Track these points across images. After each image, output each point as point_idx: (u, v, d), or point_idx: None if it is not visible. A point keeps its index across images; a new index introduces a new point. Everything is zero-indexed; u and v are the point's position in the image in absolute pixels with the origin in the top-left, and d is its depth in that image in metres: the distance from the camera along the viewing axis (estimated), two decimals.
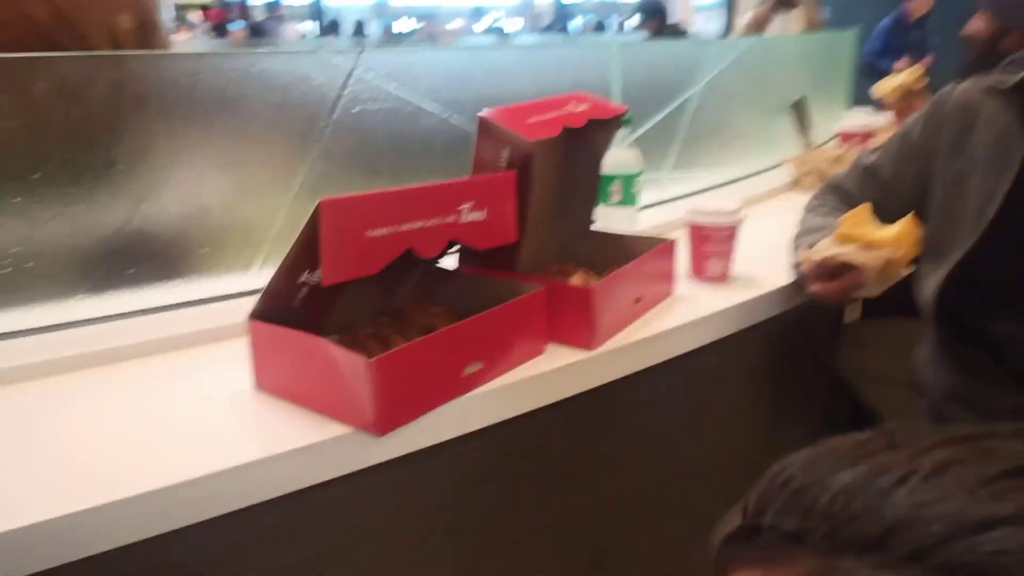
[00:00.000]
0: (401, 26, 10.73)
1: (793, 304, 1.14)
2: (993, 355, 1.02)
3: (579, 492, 1.03)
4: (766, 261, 1.17)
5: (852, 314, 1.59)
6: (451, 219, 0.79)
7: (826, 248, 0.95)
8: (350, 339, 0.83)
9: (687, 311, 1.02)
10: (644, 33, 4.60)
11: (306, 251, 0.72)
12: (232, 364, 0.84)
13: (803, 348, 1.42)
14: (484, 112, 0.89)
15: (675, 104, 1.51)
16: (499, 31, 11.81)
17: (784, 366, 1.34)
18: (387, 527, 0.84)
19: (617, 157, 1.17)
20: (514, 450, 0.92)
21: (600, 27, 11.63)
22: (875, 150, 1.16)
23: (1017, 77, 0.95)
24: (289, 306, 0.78)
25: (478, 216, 0.82)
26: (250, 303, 0.79)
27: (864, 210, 0.95)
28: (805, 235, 1.12)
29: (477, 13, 11.94)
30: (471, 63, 1.22)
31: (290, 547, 0.77)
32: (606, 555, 1.09)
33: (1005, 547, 0.21)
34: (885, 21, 3.93)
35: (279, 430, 0.73)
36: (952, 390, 1.09)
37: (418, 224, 0.76)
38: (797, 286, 1.09)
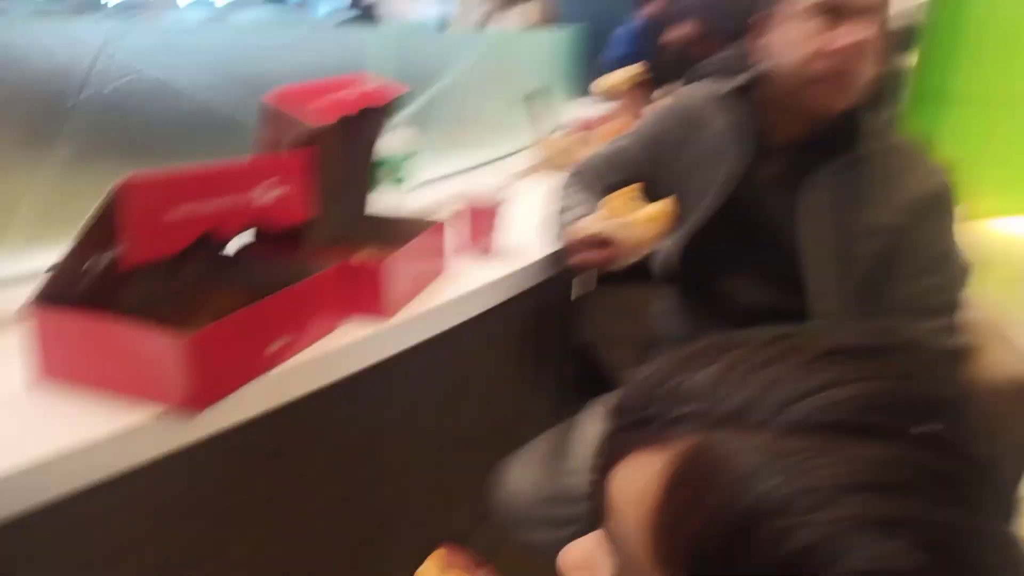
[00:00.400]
0: None
1: (548, 274, 1.31)
2: (722, 304, 1.25)
3: (363, 466, 1.09)
4: (522, 236, 1.32)
5: (585, 287, 1.83)
6: (247, 200, 0.81)
7: (592, 224, 1.11)
8: (143, 323, 0.81)
9: (460, 284, 1.13)
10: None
11: (98, 233, 0.70)
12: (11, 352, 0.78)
13: (547, 318, 1.61)
14: (267, 96, 0.91)
15: (431, 91, 1.61)
16: (209, 4, 11.06)
17: (532, 336, 1.52)
18: (185, 511, 0.84)
19: (388, 139, 1.24)
20: (303, 428, 0.96)
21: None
22: (621, 138, 1.35)
23: (728, 87, 1.17)
24: (75, 291, 0.75)
25: (274, 196, 0.85)
26: None
27: (631, 190, 1.11)
28: (565, 211, 1.28)
29: None
30: (235, 43, 1.21)
31: (89, 540, 0.75)
32: (384, 526, 1.17)
33: (825, 404, 0.32)
34: (630, 26, 4.00)
35: (78, 417, 0.71)
36: (690, 335, 1.32)
37: (215, 204, 0.77)
38: (558, 257, 1.24)
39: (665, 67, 2.06)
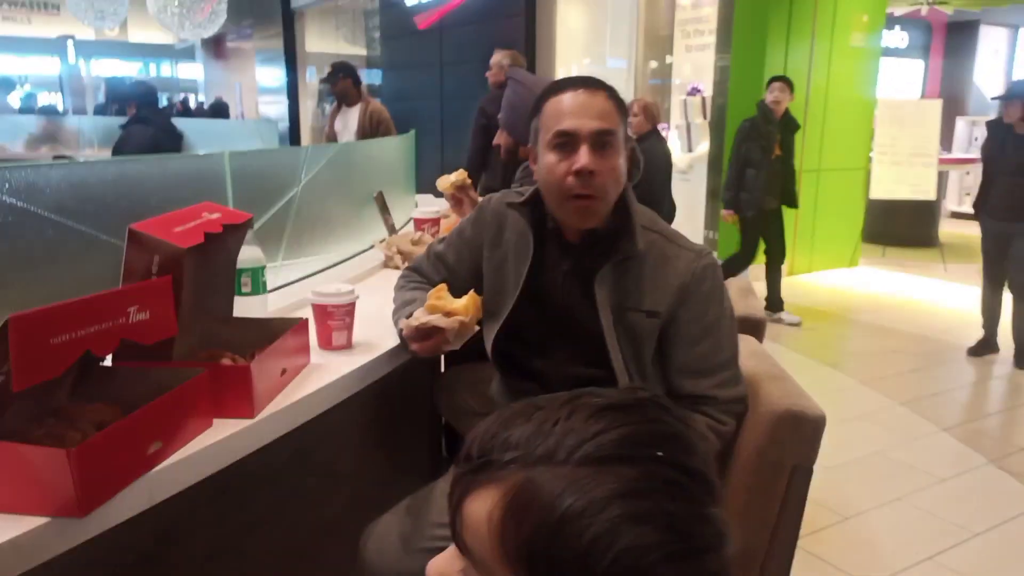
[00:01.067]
0: None
1: (401, 360, 1.45)
2: (536, 382, 1.44)
3: (240, 559, 1.17)
4: (377, 328, 1.47)
5: (444, 364, 1.99)
6: (121, 321, 0.92)
7: (418, 317, 1.28)
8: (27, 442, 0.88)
9: (324, 376, 1.26)
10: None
11: None
12: None
13: (412, 394, 1.76)
14: (134, 224, 1.03)
15: (281, 202, 1.75)
16: (31, 100, 10.72)
17: (399, 410, 1.65)
18: None
19: (244, 253, 1.37)
20: (179, 526, 1.04)
21: None
22: (441, 240, 1.55)
23: (523, 197, 1.38)
24: None
25: (143, 317, 0.96)
26: None
27: (442, 288, 1.30)
28: (401, 308, 1.45)
29: (6, 84, 10.63)
30: (91, 174, 1.30)
31: None
32: None
33: (600, 444, 0.49)
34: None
35: None
36: None
37: (94, 328, 0.87)
38: (401, 347, 1.40)
39: (505, 166, 2.33)
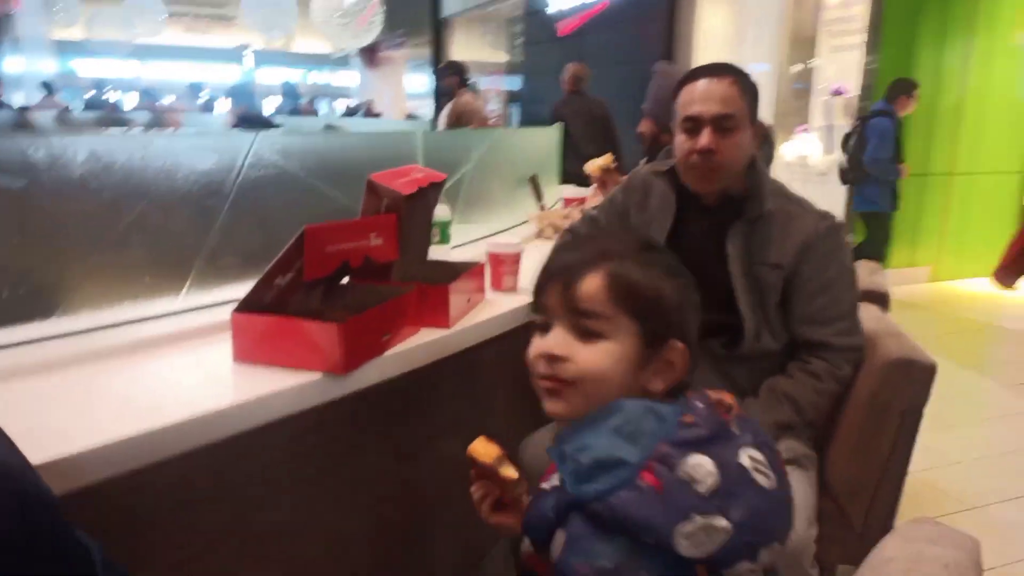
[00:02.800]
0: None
1: None
2: None
3: (441, 441, 1.49)
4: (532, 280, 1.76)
5: None
6: (364, 242, 1.25)
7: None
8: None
9: (496, 308, 1.56)
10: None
11: (282, 263, 1.12)
12: (211, 348, 1.20)
13: None
14: (372, 175, 1.36)
15: (457, 176, 2.08)
16: (210, 104, 11.98)
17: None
18: (341, 450, 1.23)
19: (436, 209, 1.69)
20: (410, 400, 1.36)
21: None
22: (596, 207, 1.81)
23: (667, 165, 1.63)
24: (263, 302, 1.17)
25: (379, 242, 1.28)
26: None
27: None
28: None
29: (193, 90, 11.92)
30: (323, 143, 1.67)
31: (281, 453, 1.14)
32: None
33: (636, 242, 0.92)
34: None
35: (265, 380, 1.11)
36: None
37: (350, 244, 1.20)
38: None
39: (648, 152, 2.58)
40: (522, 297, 1.65)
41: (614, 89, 8.18)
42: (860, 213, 5.10)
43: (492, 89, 14.16)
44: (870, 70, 5.87)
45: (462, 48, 13.84)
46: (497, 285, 1.68)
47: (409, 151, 1.87)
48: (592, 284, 0.85)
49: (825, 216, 1.51)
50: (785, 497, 0.79)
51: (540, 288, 0.92)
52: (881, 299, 1.94)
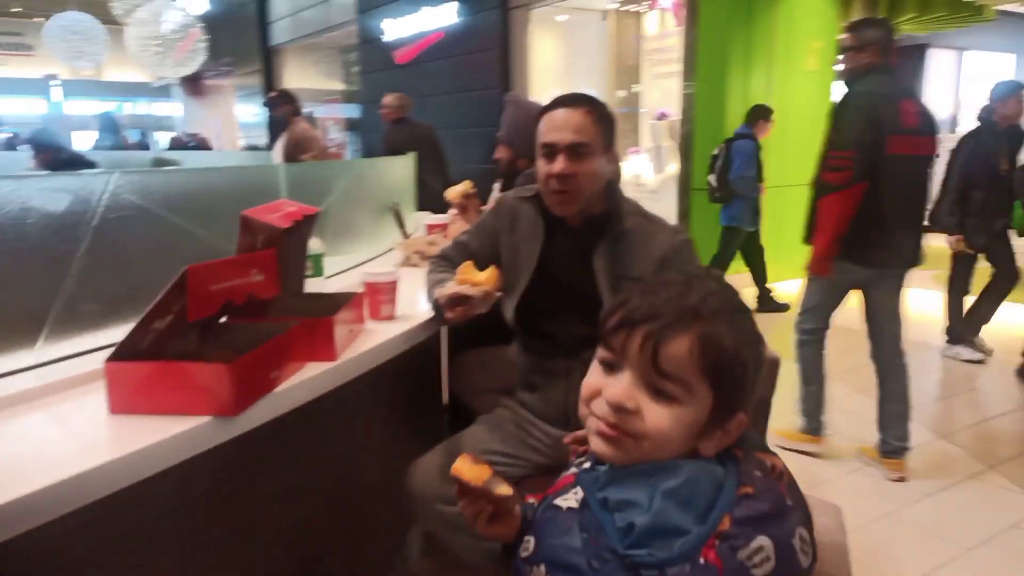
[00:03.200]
0: None
1: (434, 329, 1.76)
2: (552, 340, 1.75)
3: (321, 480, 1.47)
4: (409, 306, 1.78)
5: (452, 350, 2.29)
6: (247, 279, 1.22)
7: (451, 288, 1.59)
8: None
9: (378, 336, 1.56)
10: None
11: (161, 306, 1.08)
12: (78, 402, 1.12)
13: (428, 374, 2.05)
14: (245, 211, 1.33)
15: (321, 207, 2.06)
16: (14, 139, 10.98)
17: (415, 387, 1.95)
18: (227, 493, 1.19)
19: (309, 244, 1.67)
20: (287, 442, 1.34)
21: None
22: (465, 233, 1.86)
23: (531, 191, 1.71)
24: (139, 349, 1.11)
25: (260, 278, 1.26)
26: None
27: (469, 264, 1.61)
28: (433, 286, 1.75)
29: None
30: (184, 180, 1.61)
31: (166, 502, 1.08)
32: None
33: (726, 299, 0.84)
34: None
35: (148, 430, 1.06)
36: (530, 366, 1.81)
37: (233, 282, 1.17)
38: (436, 318, 1.70)
39: (504, 177, 2.67)
40: (400, 324, 1.67)
41: (452, 115, 8.34)
42: (722, 228, 5.50)
43: (330, 118, 13.94)
44: (688, 95, 6.40)
45: (295, 76, 13.53)
46: (375, 314, 1.68)
47: (272, 185, 1.84)
48: (680, 347, 0.79)
49: (678, 231, 1.65)
50: (812, 571, 0.80)
51: (617, 329, 0.84)
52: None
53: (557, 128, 1.58)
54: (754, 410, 1.61)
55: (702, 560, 0.73)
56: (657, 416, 0.80)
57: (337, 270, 2.12)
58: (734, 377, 0.80)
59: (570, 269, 1.66)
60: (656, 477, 0.79)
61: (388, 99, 5.57)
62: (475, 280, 1.58)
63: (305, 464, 1.49)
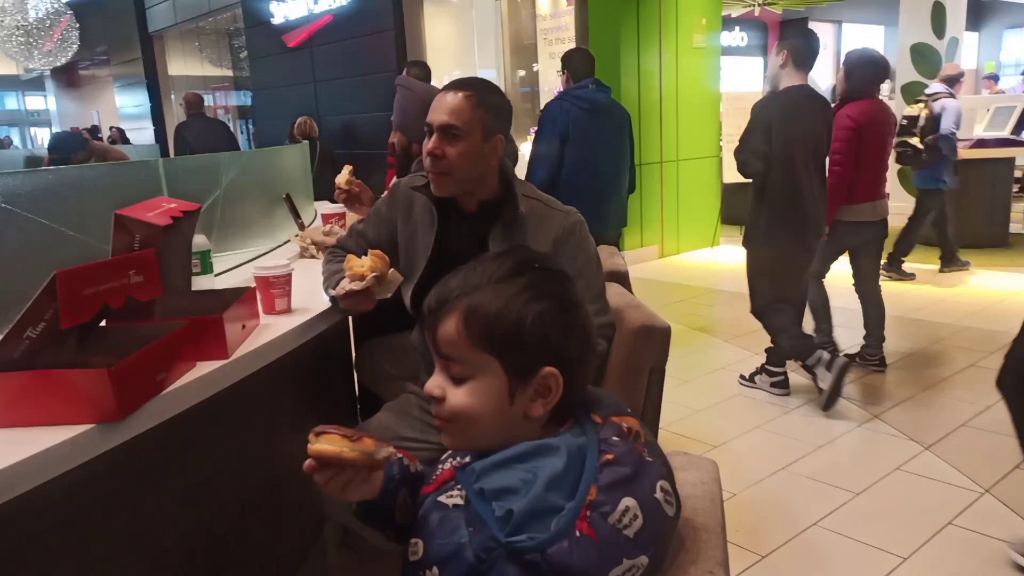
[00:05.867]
0: None
1: (333, 320, 1.74)
2: None
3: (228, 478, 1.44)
4: (306, 298, 1.75)
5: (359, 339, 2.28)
6: (125, 281, 1.17)
7: (344, 286, 1.58)
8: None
9: (273, 331, 1.53)
10: None
11: (32, 314, 1.03)
12: None
13: (337, 364, 2.04)
14: (119, 210, 1.28)
15: (207, 203, 1.99)
16: None
17: (323, 378, 1.93)
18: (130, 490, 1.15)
19: (193, 239, 1.62)
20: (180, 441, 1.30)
21: None
22: (361, 221, 1.85)
23: (422, 180, 1.71)
24: (10, 359, 1.05)
25: (140, 279, 1.21)
26: None
27: (352, 256, 1.62)
28: (330, 277, 1.74)
29: None
30: (54, 180, 1.52)
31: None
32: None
33: (501, 268, 0.89)
34: None
35: (25, 442, 1.01)
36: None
37: (109, 285, 1.13)
38: (336, 309, 1.69)
39: (400, 163, 2.64)
40: (297, 317, 1.65)
41: (348, 99, 8.17)
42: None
43: (220, 106, 13.38)
44: None
45: (179, 63, 12.91)
46: (270, 308, 1.65)
47: (152, 182, 1.76)
48: (449, 328, 0.86)
49: (569, 212, 1.69)
50: (679, 518, 0.86)
51: (422, 329, 0.94)
52: (622, 278, 2.21)
53: (437, 109, 1.61)
54: (649, 376, 1.69)
55: (578, 533, 0.77)
56: (456, 397, 0.87)
57: (230, 266, 2.06)
58: (509, 338, 0.84)
59: (466, 254, 1.66)
60: (521, 460, 0.83)
61: (187, 96, 6.23)
62: (359, 271, 1.59)
63: (208, 464, 1.45)
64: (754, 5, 8.64)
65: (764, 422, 3.23)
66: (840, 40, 13.30)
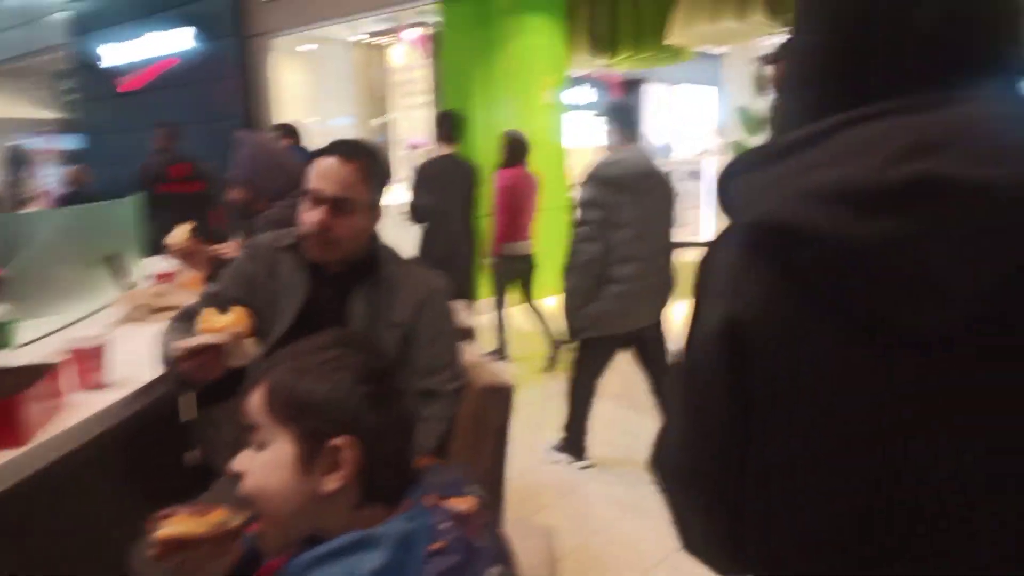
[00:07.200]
0: None
1: (155, 396, 1.61)
2: None
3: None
4: (125, 369, 1.61)
5: (188, 413, 2.12)
6: None
7: (194, 339, 1.39)
8: None
9: (83, 411, 1.40)
10: None
11: None
12: None
13: (172, 436, 1.88)
14: None
15: (12, 266, 1.80)
16: None
17: (153, 454, 1.77)
18: None
19: None
20: None
21: None
22: (215, 283, 1.71)
23: (290, 238, 1.63)
24: None
25: None
26: None
27: (211, 311, 1.44)
28: (171, 342, 1.59)
29: None
30: None
31: None
32: None
33: (304, 347, 0.88)
34: None
35: None
36: None
37: None
38: (173, 381, 1.53)
39: (238, 220, 2.51)
40: (113, 393, 1.51)
41: (193, 147, 7.81)
42: None
43: (44, 151, 12.39)
44: None
45: (1, 104, 11.86)
46: (84, 383, 1.50)
47: None
48: (253, 399, 0.87)
49: (433, 277, 1.69)
50: None
51: None
52: (468, 333, 2.22)
53: (325, 177, 1.53)
54: (496, 434, 1.69)
55: None
56: (252, 472, 0.85)
57: (38, 335, 1.87)
58: (303, 405, 0.85)
59: (331, 317, 1.61)
60: (346, 556, 0.79)
61: None
62: (218, 325, 1.41)
63: (7, 570, 1.28)
64: (596, 66, 9.13)
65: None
66: (673, 100, 14.31)
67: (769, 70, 3.13)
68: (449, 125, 4.32)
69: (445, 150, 4.26)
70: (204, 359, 1.42)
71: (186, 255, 2.23)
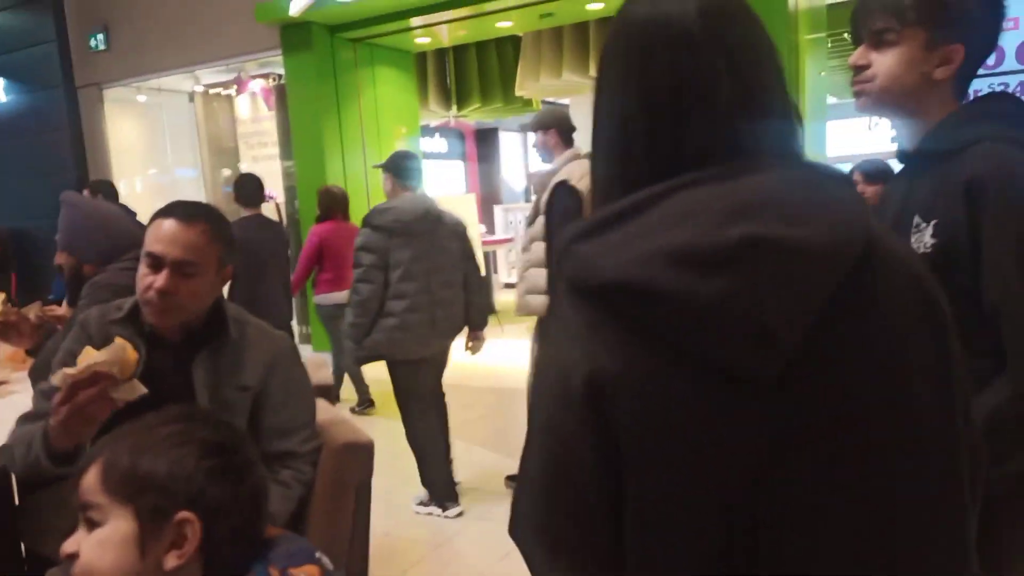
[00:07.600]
0: None
1: None
2: None
3: None
4: None
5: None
6: None
7: (75, 368, 1.22)
8: None
9: None
10: None
11: None
12: None
13: None
14: None
15: None
16: None
17: None
18: None
19: None
20: None
21: None
22: (45, 378, 1.57)
23: (123, 311, 1.54)
24: None
25: None
26: None
27: (89, 348, 1.27)
28: (22, 438, 1.45)
29: None
30: None
31: None
32: None
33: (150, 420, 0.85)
34: None
35: None
36: None
37: None
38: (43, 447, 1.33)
39: (70, 286, 2.34)
40: None
41: (21, 202, 7.22)
42: None
43: None
44: (290, 174, 6.47)
45: None
46: None
47: None
48: (88, 477, 0.85)
49: (282, 337, 1.66)
50: None
51: None
52: (328, 391, 2.19)
53: (167, 241, 1.46)
54: (356, 491, 1.67)
55: None
56: (85, 552, 0.84)
57: None
58: (142, 481, 0.84)
59: (173, 386, 1.52)
60: None
61: None
62: (102, 357, 1.24)
63: None
64: (448, 116, 9.34)
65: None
66: (526, 146, 14.85)
67: (537, 137, 3.35)
68: (251, 188, 4.33)
69: (247, 212, 4.28)
70: (97, 391, 1.25)
71: (3, 327, 2.06)
